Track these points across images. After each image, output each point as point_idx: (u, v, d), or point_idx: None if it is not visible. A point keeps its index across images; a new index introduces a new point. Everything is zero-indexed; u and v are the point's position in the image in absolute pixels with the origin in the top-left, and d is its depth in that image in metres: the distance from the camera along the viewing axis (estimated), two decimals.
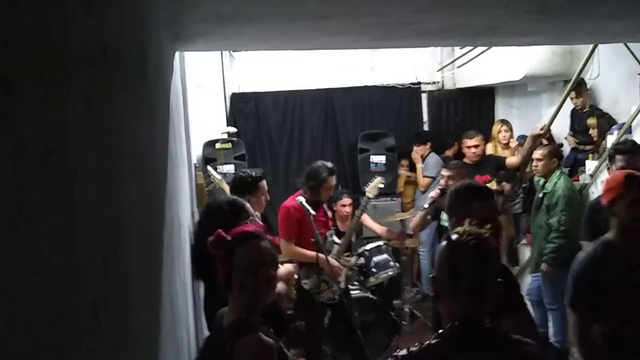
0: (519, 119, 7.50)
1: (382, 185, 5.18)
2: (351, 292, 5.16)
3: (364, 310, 5.29)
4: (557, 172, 5.13)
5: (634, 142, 4.70)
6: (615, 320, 2.72)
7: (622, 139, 5.07)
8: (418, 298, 6.75)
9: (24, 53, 0.78)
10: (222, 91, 7.01)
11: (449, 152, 7.14)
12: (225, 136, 6.50)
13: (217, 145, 6.35)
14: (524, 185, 6.43)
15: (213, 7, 2.38)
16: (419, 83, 7.64)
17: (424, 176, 6.88)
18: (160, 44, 2.53)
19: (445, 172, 4.91)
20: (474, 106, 7.89)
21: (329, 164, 4.62)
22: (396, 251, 6.01)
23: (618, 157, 4.08)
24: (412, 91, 7.62)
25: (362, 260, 5.50)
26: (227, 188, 4.60)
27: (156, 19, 2.37)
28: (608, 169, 4.32)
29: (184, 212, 3.41)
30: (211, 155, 6.44)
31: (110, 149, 1.28)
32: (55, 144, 0.89)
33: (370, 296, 5.44)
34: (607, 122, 5.86)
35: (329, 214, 4.89)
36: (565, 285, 5.04)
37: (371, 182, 5.14)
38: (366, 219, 5.19)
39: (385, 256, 5.62)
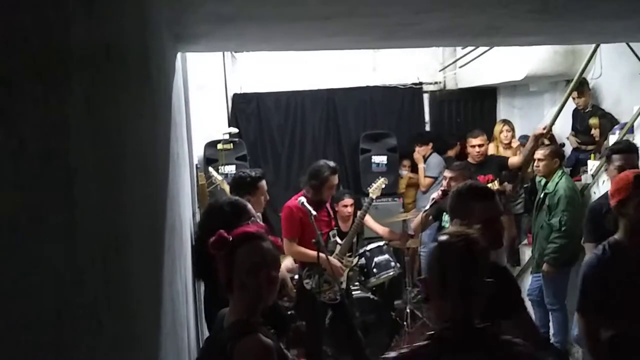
0: (521, 119, 7.49)
1: (383, 186, 5.19)
2: (352, 292, 5.16)
3: (365, 311, 5.29)
4: (559, 172, 5.13)
5: (629, 142, 4.70)
6: (624, 321, 2.70)
7: (624, 138, 5.06)
8: (419, 298, 6.74)
9: (24, 53, 0.78)
10: (223, 92, 7.01)
11: (451, 153, 7.14)
12: (227, 137, 6.50)
13: (219, 146, 6.36)
14: (525, 186, 6.42)
15: (214, 7, 2.38)
16: (420, 83, 7.64)
17: (426, 176, 6.88)
18: (162, 45, 2.53)
19: (447, 174, 4.91)
20: (476, 106, 7.88)
21: (332, 163, 4.64)
22: (397, 251, 6.01)
23: (615, 156, 4.08)
24: (414, 91, 7.62)
25: (363, 260, 5.50)
26: (228, 189, 4.61)
27: (158, 19, 2.37)
28: (606, 170, 4.31)
29: (186, 212, 3.41)
30: (213, 155, 6.45)
31: (111, 149, 1.28)
32: (55, 144, 0.89)
33: (371, 296, 5.44)
34: (609, 122, 5.85)
35: (332, 213, 4.90)
36: (566, 286, 5.09)
37: (375, 183, 5.14)
38: (368, 220, 5.20)
39: (386, 256, 5.62)
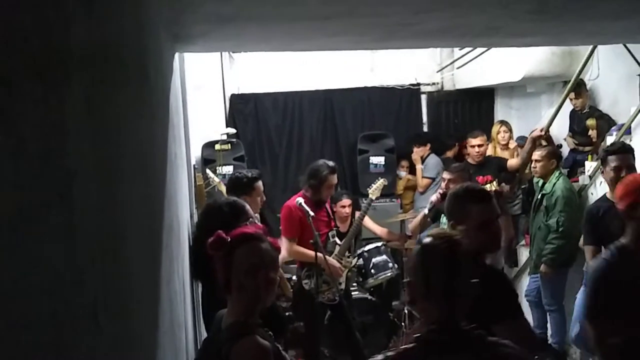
0: (519, 120, 7.50)
1: (382, 187, 5.19)
2: (352, 293, 5.16)
3: (363, 312, 5.29)
4: (556, 173, 5.14)
5: (624, 143, 4.71)
6: (634, 325, 2.68)
7: (620, 140, 5.07)
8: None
9: (24, 53, 0.78)
10: (221, 92, 7.01)
11: (449, 153, 7.15)
12: (225, 137, 6.50)
13: (217, 147, 6.35)
14: (523, 187, 6.43)
15: (214, 7, 2.38)
16: (418, 84, 7.65)
17: (424, 177, 6.88)
18: (160, 45, 2.53)
19: (446, 175, 4.92)
20: (474, 107, 7.89)
21: (330, 163, 4.65)
22: (395, 252, 6.01)
23: (610, 157, 4.08)
24: (411, 92, 7.63)
25: (360, 261, 5.51)
26: (225, 190, 4.61)
27: (156, 19, 2.37)
28: (602, 172, 4.31)
29: (183, 213, 3.41)
30: (210, 156, 6.44)
31: (110, 149, 1.28)
32: (55, 144, 0.89)
33: (369, 297, 5.44)
34: (606, 123, 5.86)
35: (331, 214, 4.91)
36: (563, 286, 5.09)
37: (374, 183, 5.14)
38: (366, 220, 5.20)
39: (384, 257, 5.63)
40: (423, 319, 1.90)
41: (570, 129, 6.42)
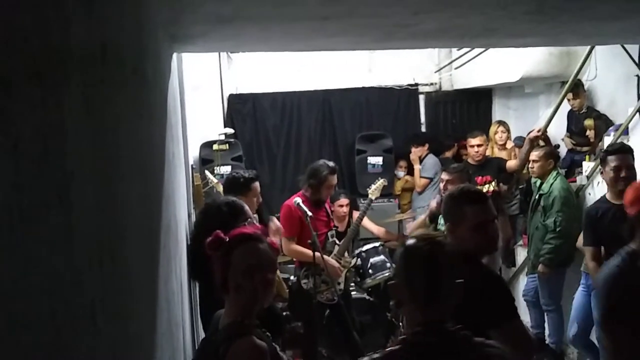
0: (516, 120, 7.51)
1: (382, 187, 5.20)
2: (351, 293, 5.16)
3: (361, 311, 5.29)
4: (554, 173, 5.14)
5: (623, 143, 4.72)
6: None
7: (619, 140, 5.08)
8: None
9: (23, 53, 0.78)
10: (219, 92, 7.00)
11: (448, 154, 7.15)
12: (223, 137, 6.49)
13: (215, 147, 6.35)
14: (520, 187, 6.44)
15: (214, 7, 2.37)
16: (416, 84, 7.65)
17: (422, 177, 6.88)
18: (158, 45, 2.53)
19: (444, 176, 4.93)
20: (472, 107, 7.89)
21: (331, 163, 4.65)
22: (393, 253, 6.00)
23: (610, 157, 4.08)
24: (409, 92, 7.62)
25: (358, 261, 5.50)
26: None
27: (155, 19, 2.37)
28: (601, 173, 4.32)
29: (181, 213, 3.41)
30: (208, 156, 6.44)
31: (108, 149, 1.28)
32: (53, 145, 0.89)
33: (367, 297, 5.44)
34: (604, 123, 5.87)
35: (331, 213, 4.91)
36: (561, 286, 5.10)
37: (374, 184, 5.14)
38: (364, 220, 5.21)
39: (382, 257, 5.62)
40: (408, 321, 1.90)
41: (568, 130, 6.43)
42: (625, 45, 5.41)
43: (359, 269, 5.56)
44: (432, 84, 7.76)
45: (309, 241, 4.28)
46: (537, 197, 5.22)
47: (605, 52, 5.84)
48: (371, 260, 5.58)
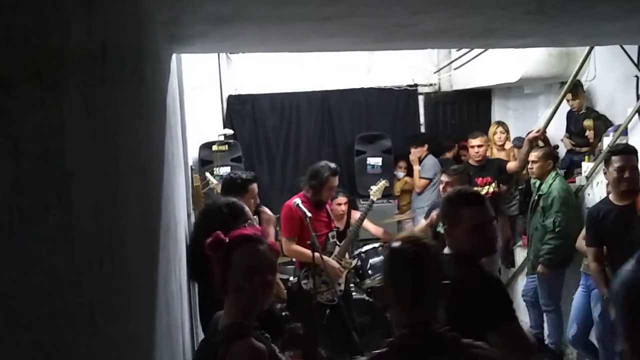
0: (516, 121, 7.51)
1: (384, 188, 5.19)
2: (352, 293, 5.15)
3: (360, 312, 5.28)
4: (553, 174, 5.15)
5: (628, 144, 4.72)
6: None
7: (618, 141, 5.08)
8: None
9: (23, 53, 0.77)
10: (218, 93, 7.01)
11: (448, 155, 7.16)
12: (222, 138, 6.49)
13: (214, 148, 6.35)
14: (520, 187, 6.44)
15: (214, 7, 2.37)
16: (415, 85, 7.65)
17: (421, 177, 6.88)
18: (157, 46, 2.53)
19: (444, 178, 4.92)
20: (471, 108, 7.90)
21: (332, 165, 4.65)
22: None
23: (614, 158, 4.08)
24: (408, 93, 7.63)
25: (358, 262, 5.50)
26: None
27: (154, 20, 2.37)
28: (605, 173, 4.32)
29: (180, 213, 3.41)
30: (207, 157, 6.44)
31: (107, 150, 1.28)
32: (53, 145, 0.89)
33: (366, 298, 5.43)
34: (603, 124, 5.87)
35: (332, 214, 4.91)
36: (561, 287, 5.09)
37: (376, 185, 5.14)
38: (364, 221, 5.20)
39: (381, 258, 5.61)
40: (395, 324, 1.90)
41: (567, 130, 6.43)
42: (625, 46, 5.42)
43: (359, 270, 5.55)
44: (431, 84, 7.77)
45: (309, 242, 4.28)
46: (536, 197, 5.22)
47: (605, 52, 5.84)
48: (370, 261, 5.58)
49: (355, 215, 5.32)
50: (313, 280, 4.44)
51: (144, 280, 1.75)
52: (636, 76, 5.52)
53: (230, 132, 6.64)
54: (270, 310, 2.41)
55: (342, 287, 4.77)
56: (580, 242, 4.66)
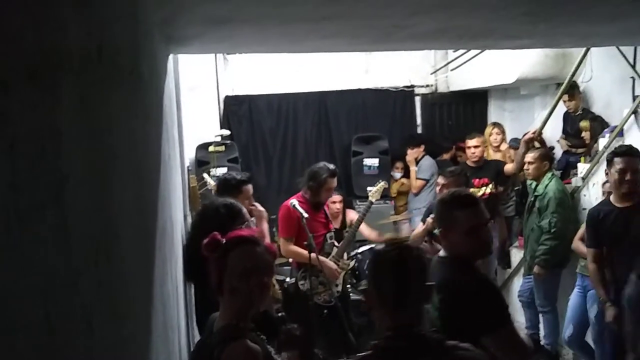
0: (512, 122, 7.53)
1: (382, 190, 5.19)
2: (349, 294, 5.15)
3: (357, 313, 5.28)
4: (548, 175, 5.16)
5: (631, 145, 4.72)
6: None
7: (614, 142, 5.09)
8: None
9: (20, 54, 0.77)
10: (215, 94, 7.00)
11: (445, 156, 7.16)
12: (219, 139, 6.48)
13: (211, 148, 6.34)
14: (516, 188, 6.45)
15: (212, 7, 2.37)
16: (412, 86, 7.66)
17: (418, 178, 6.89)
18: (154, 46, 2.52)
19: (441, 180, 4.93)
20: (467, 109, 7.91)
21: (331, 166, 4.64)
22: None
23: (617, 159, 4.07)
24: (405, 94, 7.64)
25: (355, 263, 5.50)
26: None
27: (151, 20, 2.36)
28: (606, 173, 4.32)
29: (177, 214, 3.40)
30: (204, 158, 6.43)
31: (103, 151, 1.28)
32: (49, 146, 0.89)
33: (363, 299, 5.43)
34: (599, 125, 5.88)
35: (329, 215, 4.91)
36: (557, 287, 5.10)
37: (374, 186, 5.14)
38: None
39: None
40: (379, 326, 1.90)
41: (564, 131, 6.44)
42: (621, 47, 5.43)
43: (355, 271, 5.56)
44: (428, 85, 7.78)
45: (305, 243, 4.28)
46: (532, 198, 5.23)
47: (601, 54, 5.86)
48: (367, 262, 5.58)
49: (351, 214, 5.31)
50: (310, 281, 4.44)
51: (140, 281, 1.74)
52: (632, 77, 5.53)
53: (227, 132, 6.63)
54: (266, 312, 2.41)
55: (340, 288, 4.76)
56: (576, 243, 4.67)
